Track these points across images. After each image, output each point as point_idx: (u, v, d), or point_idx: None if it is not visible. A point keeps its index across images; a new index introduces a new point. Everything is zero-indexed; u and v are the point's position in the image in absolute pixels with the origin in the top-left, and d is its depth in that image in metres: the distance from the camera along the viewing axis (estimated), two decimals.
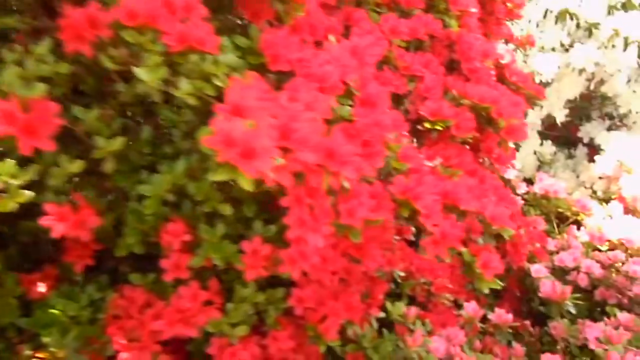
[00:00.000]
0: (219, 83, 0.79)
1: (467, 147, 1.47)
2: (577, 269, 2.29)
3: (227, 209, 0.93)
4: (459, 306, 2.00)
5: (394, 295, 1.80)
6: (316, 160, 0.81)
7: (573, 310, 1.50)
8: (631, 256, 2.50)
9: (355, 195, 1.02)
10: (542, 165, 3.24)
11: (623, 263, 2.30)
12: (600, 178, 2.99)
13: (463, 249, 1.12)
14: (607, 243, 2.61)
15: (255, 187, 0.72)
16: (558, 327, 1.88)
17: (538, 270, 2.13)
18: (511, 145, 1.64)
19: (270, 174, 0.72)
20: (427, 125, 1.29)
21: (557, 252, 2.37)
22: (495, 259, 1.13)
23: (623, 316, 1.83)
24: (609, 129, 3.26)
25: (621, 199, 2.81)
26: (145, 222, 0.98)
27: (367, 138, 1.01)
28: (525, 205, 2.72)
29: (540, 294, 2.18)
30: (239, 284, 1.10)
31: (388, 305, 1.32)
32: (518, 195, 2.70)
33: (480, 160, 1.50)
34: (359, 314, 1.30)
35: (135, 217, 0.98)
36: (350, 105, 1.04)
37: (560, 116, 2.99)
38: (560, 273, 2.37)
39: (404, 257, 1.79)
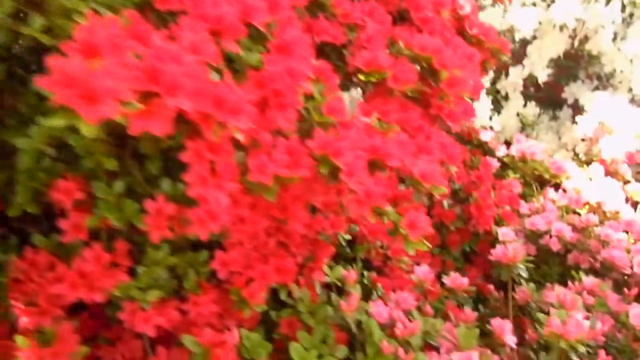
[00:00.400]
0: (81, 21, 0.71)
1: (417, 103, 1.37)
2: (548, 232, 2.22)
3: (111, 164, 0.86)
4: None
5: (349, 260, 1.74)
6: (197, 108, 0.73)
7: (524, 274, 1.44)
8: (607, 219, 2.44)
9: (266, 151, 0.94)
10: (525, 127, 3.14)
11: (597, 226, 2.23)
12: (582, 140, 2.89)
13: (389, 208, 1.04)
14: (586, 206, 2.54)
15: (100, 133, 0.65)
16: (522, 291, 1.82)
17: (505, 233, 2.06)
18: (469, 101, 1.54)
19: (122, 120, 0.65)
20: (362, 77, 1.20)
21: (530, 216, 2.30)
22: (423, 219, 1.05)
23: (588, 280, 1.77)
24: (596, 89, 3.15)
25: (602, 162, 2.73)
26: (36, 179, 0.91)
27: (278, 87, 0.92)
28: (504, 169, 2.65)
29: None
30: (150, 246, 1.03)
31: (326, 269, 1.25)
32: (496, 157, 2.62)
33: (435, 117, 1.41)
34: (291, 277, 1.24)
35: (26, 175, 0.91)
36: (264, 52, 0.96)
37: (543, 76, 2.88)
38: (534, 237, 2.31)
39: (357, 220, 1.72)
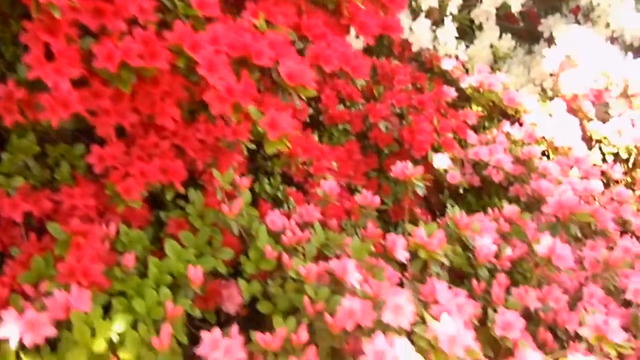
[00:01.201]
0: None
1: (327, 11, 1.33)
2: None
3: None
4: (352, 192, 1.95)
5: (268, 173, 1.74)
6: None
7: (421, 192, 1.43)
8: (557, 154, 2.41)
9: (116, 38, 0.92)
10: (497, 60, 3.05)
11: (540, 158, 2.20)
12: (551, 75, 2.81)
13: (251, 107, 1.02)
14: (544, 143, 2.51)
15: None
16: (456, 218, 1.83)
17: (440, 159, 2.05)
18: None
19: None
20: None
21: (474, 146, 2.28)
22: (287, 120, 1.04)
23: (508, 209, 1.76)
24: (577, 24, 3.03)
25: (565, 98, 2.67)
26: None
27: None
28: (461, 100, 2.60)
29: (444, 180, 2.13)
30: (15, 133, 1.03)
31: (215, 172, 1.25)
32: (457, 87, 2.57)
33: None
34: (178, 179, 1.24)
35: None
36: None
37: (516, 5, 2.77)
38: (478, 168, 2.29)
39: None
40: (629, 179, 2.48)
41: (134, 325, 1.01)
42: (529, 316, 1.54)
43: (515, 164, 2.21)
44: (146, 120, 1.10)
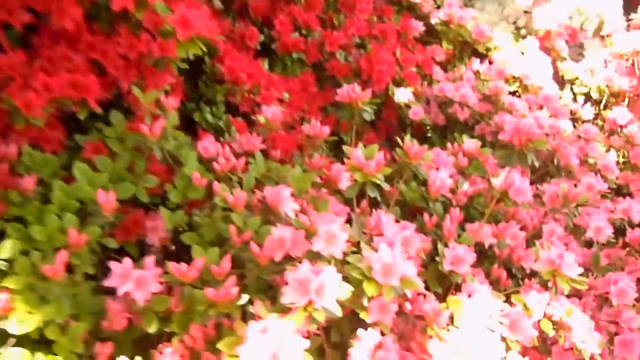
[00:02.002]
0: None
1: None
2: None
3: None
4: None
5: (210, 102, 1.61)
6: None
7: (368, 118, 1.31)
8: (527, 93, 2.31)
9: None
10: None
11: (505, 95, 2.09)
12: (525, 12, 2.68)
13: (158, 2, 0.88)
14: (515, 82, 2.40)
15: None
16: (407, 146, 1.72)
17: (401, 93, 1.93)
18: None
19: None
20: None
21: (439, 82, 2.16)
22: (201, 19, 0.90)
23: (468, 143, 1.66)
24: None
25: (539, 37, 2.54)
26: None
27: None
28: (431, 37, 2.46)
29: (407, 117, 2.01)
30: None
31: (135, 89, 1.12)
32: (430, 22, 2.42)
33: None
34: (92, 96, 1.10)
35: None
36: None
37: None
38: (444, 106, 2.18)
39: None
40: (600, 122, 2.40)
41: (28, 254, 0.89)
42: (483, 253, 1.47)
43: (481, 102, 2.09)
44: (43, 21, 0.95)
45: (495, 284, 1.38)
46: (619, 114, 2.04)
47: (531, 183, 1.80)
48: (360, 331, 0.98)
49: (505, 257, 1.43)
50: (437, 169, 1.53)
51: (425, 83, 2.23)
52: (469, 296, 1.08)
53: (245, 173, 1.26)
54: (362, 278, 0.93)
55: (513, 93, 2.35)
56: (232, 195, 1.07)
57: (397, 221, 1.42)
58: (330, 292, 0.86)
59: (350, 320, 1.04)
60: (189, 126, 1.53)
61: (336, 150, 2.06)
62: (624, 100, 2.35)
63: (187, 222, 1.12)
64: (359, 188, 1.04)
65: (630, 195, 2.17)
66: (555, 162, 1.63)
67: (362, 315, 0.97)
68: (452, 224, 1.35)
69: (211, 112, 1.52)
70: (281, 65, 1.85)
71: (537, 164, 1.23)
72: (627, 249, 1.74)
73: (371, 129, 2.16)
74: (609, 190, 1.74)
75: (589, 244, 1.74)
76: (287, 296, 0.85)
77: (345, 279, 0.94)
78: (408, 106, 2.01)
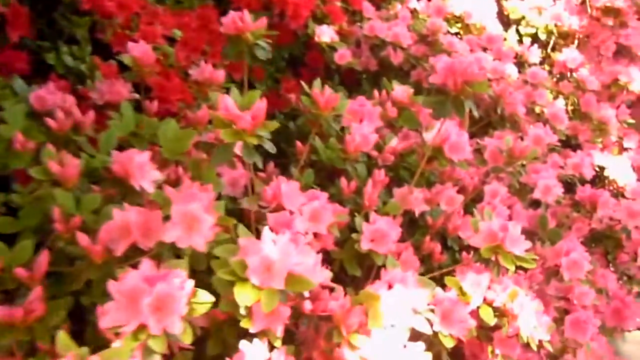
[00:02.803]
0: None
1: None
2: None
3: None
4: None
5: (74, 41, 1.26)
6: None
7: (263, 56, 1.02)
8: (469, 33, 2.05)
9: None
10: None
11: (444, 33, 1.83)
12: None
13: None
14: (456, 23, 2.13)
15: None
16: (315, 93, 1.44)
17: (323, 32, 1.63)
18: None
19: None
20: None
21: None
22: None
23: (398, 90, 1.39)
24: None
25: None
26: None
27: None
28: None
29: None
30: None
31: None
32: None
33: None
34: None
35: None
36: None
37: None
38: (375, 49, 1.90)
39: None
40: (547, 67, 2.17)
41: None
42: (414, 223, 1.22)
43: (418, 44, 1.82)
44: None
45: (427, 260, 1.15)
46: (570, 56, 1.82)
47: (471, 136, 1.58)
48: (242, 344, 0.72)
49: (440, 227, 1.19)
50: (361, 121, 1.27)
51: (356, 21, 1.94)
52: (389, 287, 0.83)
53: (102, 133, 0.95)
54: (234, 279, 0.66)
55: (455, 36, 2.09)
56: (55, 163, 0.76)
57: (312, 188, 1.16)
58: (176, 308, 0.58)
59: (235, 325, 0.78)
60: (44, 73, 1.19)
61: None
62: (573, 42, 2.14)
63: (4, 202, 0.81)
64: (229, 151, 0.75)
65: (579, 146, 1.99)
66: (499, 111, 1.39)
67: (244, 323, 0.70)
68: (374, 189, 1.09)
69: (71, 52, 1.18)
70: None
71: (476, 114, 0.97)
72: (577, 208, 1.55)
73: (291, 76, 1.86)
74: (558, 143, 1.52)
75: (536, 203, 1.54)
76: (109, 317, 0.57)
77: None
78: (333, 48, 1.71)
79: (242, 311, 0.68)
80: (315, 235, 0.97)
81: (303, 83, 1.02)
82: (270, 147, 0.73)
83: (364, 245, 0.96)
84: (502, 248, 0.94)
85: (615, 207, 1.34)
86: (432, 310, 0.89)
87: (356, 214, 1.04)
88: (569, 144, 2.00)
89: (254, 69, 1.70)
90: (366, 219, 1.01)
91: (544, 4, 2.13)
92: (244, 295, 0.65)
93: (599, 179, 2.13)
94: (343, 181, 1.10)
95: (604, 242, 1.45)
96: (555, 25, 2.09)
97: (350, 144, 1.11)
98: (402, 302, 0.81)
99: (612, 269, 1.63)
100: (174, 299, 0.57)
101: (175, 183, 0.87)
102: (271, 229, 0.86)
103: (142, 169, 0.80)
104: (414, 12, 2.06)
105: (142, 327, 0.56)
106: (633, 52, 2.01)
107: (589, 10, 2.06)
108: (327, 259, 1.04)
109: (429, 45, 1.83)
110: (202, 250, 0.68)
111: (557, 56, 1.87)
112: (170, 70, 1.31)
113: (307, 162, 1.24)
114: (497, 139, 1.47)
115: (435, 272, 1.09)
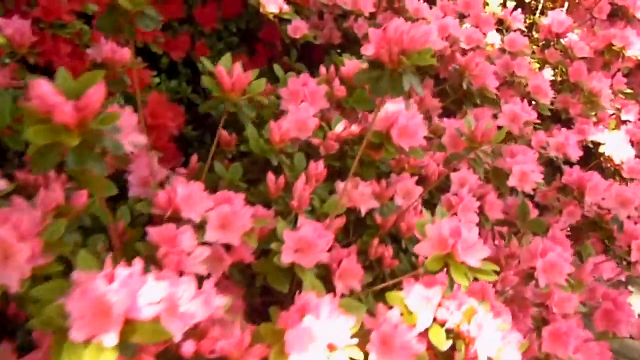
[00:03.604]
0: None
1: None
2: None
3: None
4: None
5: None
6: None
7: (147, 26, 0.83)
8: None
9: None
10: None
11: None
12: None
13: None
14: None
15: None
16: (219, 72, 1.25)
17: (269, 1, 1.42)
18: None
19: None
20: None
21: None
22: None
23: (348, 64, 1.19)
24: None
25: None
26: None
27: None
28: None
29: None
30: None
31: None
32: None
33: None
34: None
35: None
36: None
37: None
38: (341, 21, 1.70)
39: None
40: (535, 33, 1.96)
41: None
42: (361, 222, 1.04)
43: (383, 13, 1.62)
44: None
45: (376, 266, 0.97)
46: (556, 18, 1.61)
47: (448, 115, 1.39)
48: None
49: (392, 226, 1.00)
50: (303, 102, 1.08)
51: None
52: (301, 316, 0.65)
53: None
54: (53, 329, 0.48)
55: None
56: None
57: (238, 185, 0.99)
58: None
59: None
60: None
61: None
62: (562, 5, 1.92)
63: None
64: (53, 155, 0.56)
65: (571, 121, 1.78)
66: (465, 86, 1.19)
67: None
68: (306, 185, 0.91)
69: None
70: None
71: (419, 90, 0.78)
72: (566, 192, 1.36)
73: (245, 53, 1.67)
74: (538, 121, 1.32)
75: (511, 190, 1.35)
76: None
77: None
78: (286, 20, 1.51)
79: None
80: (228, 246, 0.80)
81: (204, 59, 0.83)
82: (112, 146, 0.54)
83: (285, 258, 0.78)
84: (454, 257, 0.76)
85: (605, 194, 1.15)
86: (368, 339, 0.72)
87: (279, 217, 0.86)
88: (559, 118, 1.80)
89: (197, 46, 1.51)
90: (294, 226, 0.83)
91: None
92: (63, 354, 0.47)
93: (594, 156, 1.94)
94: (270, 177, 0.92)
95: (598, 232, 1.27)
96: None
97: (275, 132, 0.92)
98: (312, 338, 0.63)
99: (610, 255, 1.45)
100: None
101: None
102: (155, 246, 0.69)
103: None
104: None
105: None
106: (630, 14, 1.80)
107: None
108: (248, 273, 0.88)
109: (396, 12, 1.63)
110: (16, 289, 0.50)
111: (542, 20, 1.66)
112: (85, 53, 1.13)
113: (237, 154, 1.06)
114: (474, 117, 1.29)
115: (388, 281, 0.91)
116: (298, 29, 1.51)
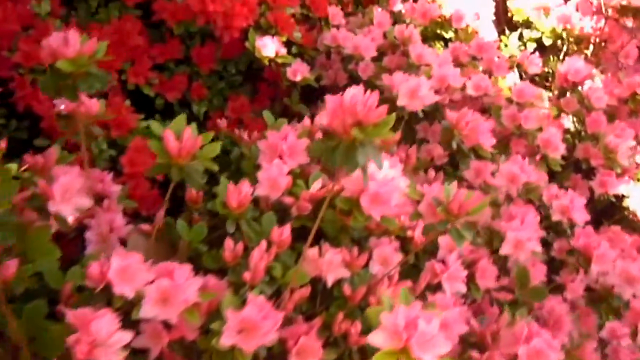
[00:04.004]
0: None
1: None
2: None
3: None
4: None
5: None
6: None
7: (98, 88, 0.79)
8: (458, 39, 1.76)
9: None
10: None
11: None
12: None
13: None
14: (444, 27, 1.84)
15: None
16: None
17: (264, 45, 1.38)
18: None
19: None
20: None
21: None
22: None
23: None
24: None
25: None
26: None
27: None
28: None
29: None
30: None
31: None
32: None
33: None
34: None
35: None
36: None
37: None
38: (346, 61, 1.65)
39: None
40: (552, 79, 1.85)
41: None
42: (330, 294, 0.96)
43: (388, 49, 1.56)
44: None
45: (341, 342, 0.89)
46: (572, 66, 1.50)
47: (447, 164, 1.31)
48: None
49: (362, 298, 0.92)
50: (281, 157, 1.03)
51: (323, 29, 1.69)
52: None
53: None
54: None
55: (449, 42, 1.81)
56: None
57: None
58: None
59: None
60: None
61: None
62: (587, 47, 1.81)
63: None
64: None
65: (592, 171, 1.66)
66: (455, 145, 1.11)
67: None
68: (266, 254, 0.84)
69: None
70: (85, 7, 1.30)
71: (379, 164, 0.71)
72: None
73: (248, 92, 1.63)
74: (539, 183, 1.22)
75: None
76: None
77: None
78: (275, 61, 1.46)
79: None
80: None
81: (153, 123, 0.78)
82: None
83: (226, 340, 0.71)
84: (408, 353, 0.68)
85: (609, 267, 1.04)
86: None
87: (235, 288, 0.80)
88: (579, 169, 1.69)
89: (193, 86, 1.49)
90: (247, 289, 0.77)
91: (551, 4, 1.81)
92: None
93: (618, 210, 1.81)
94: (228, 243, 0.86)
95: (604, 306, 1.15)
96: (565, 29, 1.77)
97: (232, 197, 0.86)
98: None
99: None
100: None
101: None
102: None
103: None
104: (398, 15, 1.79)
105: None
106: None
107: (604, 10, 1.72)
108: (195, 349, 0.82)
109: (404, 54, 1.57)
110: None
111: (558, 67, 1.56)
112: None
113: (204, 212, 1.01)
114: (475, 171, 1.21)
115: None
116: (298, 71, 1.46)
